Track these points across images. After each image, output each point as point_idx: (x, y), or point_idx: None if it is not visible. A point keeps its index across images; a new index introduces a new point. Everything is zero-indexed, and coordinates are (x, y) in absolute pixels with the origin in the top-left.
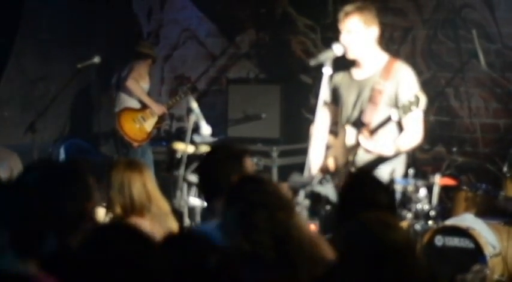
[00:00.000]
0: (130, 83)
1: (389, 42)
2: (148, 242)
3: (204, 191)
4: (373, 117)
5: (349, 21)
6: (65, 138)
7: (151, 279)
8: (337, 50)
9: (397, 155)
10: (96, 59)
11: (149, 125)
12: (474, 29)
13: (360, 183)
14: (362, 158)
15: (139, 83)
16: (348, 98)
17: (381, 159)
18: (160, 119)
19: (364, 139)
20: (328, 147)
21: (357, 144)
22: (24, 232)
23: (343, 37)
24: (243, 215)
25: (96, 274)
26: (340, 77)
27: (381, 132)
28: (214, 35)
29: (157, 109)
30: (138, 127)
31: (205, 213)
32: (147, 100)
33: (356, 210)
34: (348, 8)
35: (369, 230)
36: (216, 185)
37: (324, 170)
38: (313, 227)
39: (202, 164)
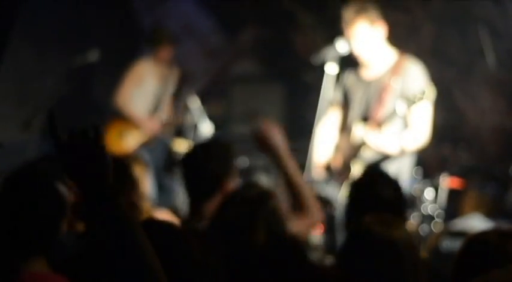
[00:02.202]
0: (116, 102)
1: (394, 40)
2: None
3: (193, 190)
4: (380, 114)
5: (356, 26)
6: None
7: None
8: (340, 47)
9: (402, 154)
10: (94, 55)
11: (132, 142)
12: (482, 26)
13: (369, 180)
14: (367, 157)
15: (132, 93)
16: (357, 99)
17: (386, 158)
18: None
19: (370, 134)
20: (336, 148)
21: (363, 142)
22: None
23: (355, 45)
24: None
25: None
26: (349, 78)
27: (387, 129)
28: (215, 31)
29: (147, 127)
30: (119, 143)
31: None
32: (136, 119)
33: (365, 207)
34: (351, 11)
35: (368, 230)
36: (209, 185)
37: (330, 170)
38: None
39: (194, 160)
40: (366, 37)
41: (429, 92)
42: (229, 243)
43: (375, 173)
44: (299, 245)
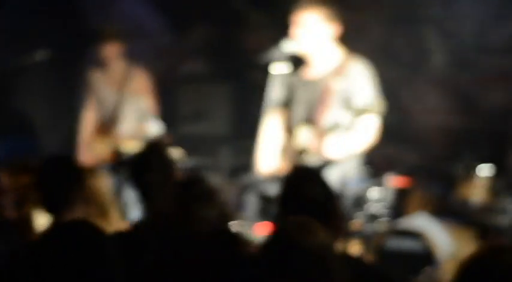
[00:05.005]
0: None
1: (343, 39)
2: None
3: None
4: (323, 118)
5: (305, 15)
6: (7, 136)
7: None
8: (286, 47)
9: (346, 159)
10: (42, 55)
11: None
12: (430, 26)
13: (297, 178)
14: (311, 161)
15: (87, 107)
16: (300, 99)
17: (330, 162)
18: None
19: (314, 142)
20: (281, 149)
21: (307, 147)
22: None
23: (295, 30)
24: None
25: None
26: (292, 77)
27: (332, 135)
28: (164, 30)
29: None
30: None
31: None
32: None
33: (294, 206)
34: (307, 1)
35: (284, 234)
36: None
37: (276, 171)
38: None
39: (143, 166)
40: (312, 28)
41: (377, 105)
42: (171, 237)
43: (303, 171)
44: (238, 240)
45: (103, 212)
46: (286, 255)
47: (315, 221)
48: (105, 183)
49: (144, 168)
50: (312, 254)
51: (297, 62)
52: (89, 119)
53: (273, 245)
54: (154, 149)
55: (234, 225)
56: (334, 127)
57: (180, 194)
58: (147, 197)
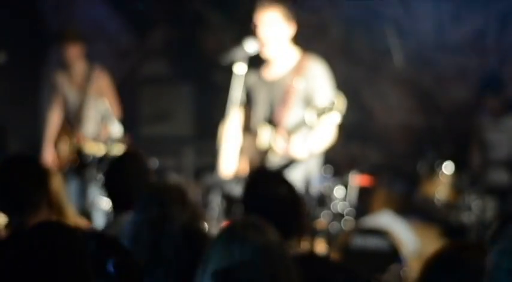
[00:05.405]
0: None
1: (301, 40)
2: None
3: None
4: (285, 118)
5: (266, 14)
6: None
7: None
8: (248, 47)
9: (309, 158)
10: (1, 57)
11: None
12: (390, 26)
13: (260, 178)
14: (275, 160)
15: (57, 103)
16: (260, 100)
17: (294, 161)
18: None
19: (277, 142)
20: (241, 149)
21: (270, 147)
22: None
23: (262, 31)
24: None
25: None
26: (252, 77)
27: (295, 134)
28: (124, 31)
29: (45, 156)
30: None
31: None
32: (45, 140)
33: (257, 206)
34: (268, 1)
35: (229, 231)
36: (127, 197)
37: (237, 171)
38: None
39: (114, 173)
40: (275, 27)
41: (339, 103)
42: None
43: (264, 172)
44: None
45: (61, 213)
46: (230, 251)
47: (264, 220)
48: (61, 183)
49: (121, 173)
50: (258, 251)
51: (258, 62)
52: (54, 120)
53: (218, 241)
54: (130, 154)
55: (204, 225)
56: (297, 126)
57: (154, 196)
58: (120, 201)
